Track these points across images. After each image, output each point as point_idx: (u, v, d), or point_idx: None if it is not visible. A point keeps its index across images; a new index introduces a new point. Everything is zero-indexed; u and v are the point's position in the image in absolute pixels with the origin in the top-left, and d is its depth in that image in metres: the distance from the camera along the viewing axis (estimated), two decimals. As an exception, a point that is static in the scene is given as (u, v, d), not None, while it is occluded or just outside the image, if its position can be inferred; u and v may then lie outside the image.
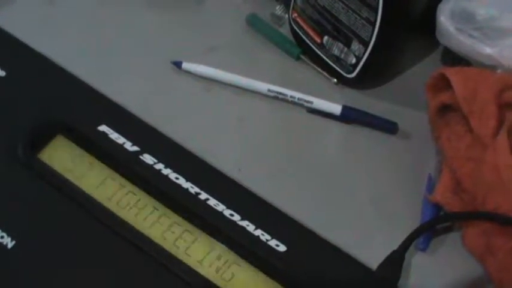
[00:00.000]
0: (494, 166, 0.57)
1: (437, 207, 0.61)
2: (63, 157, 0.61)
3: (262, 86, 0.69)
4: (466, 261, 0.59)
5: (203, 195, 0.59)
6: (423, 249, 0.60)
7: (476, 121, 0.59)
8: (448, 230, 0.61)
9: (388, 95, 0.70)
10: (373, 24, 0.63)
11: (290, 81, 0.70)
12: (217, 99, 0.69)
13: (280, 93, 0.68)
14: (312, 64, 0.72)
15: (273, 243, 0.57)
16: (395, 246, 0.57)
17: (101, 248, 0.57)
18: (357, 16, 0.64)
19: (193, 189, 0.59)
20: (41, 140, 0.62)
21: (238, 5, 0.76)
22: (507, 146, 0.57)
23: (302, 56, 0.72)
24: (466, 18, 0.65)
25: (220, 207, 0.58)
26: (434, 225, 0.60)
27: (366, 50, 0.66)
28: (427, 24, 0.67)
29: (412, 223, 0.60)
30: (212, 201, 0.59)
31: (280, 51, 0.73)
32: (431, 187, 0.63)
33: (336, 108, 0.67)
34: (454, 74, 0.61)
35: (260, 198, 0.60)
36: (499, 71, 0.64)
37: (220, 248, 0.58)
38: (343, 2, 0.64)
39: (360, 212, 0.62)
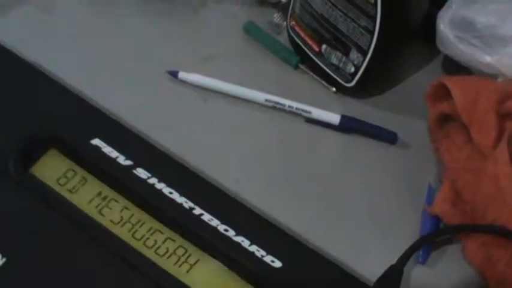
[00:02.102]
0: (494, 177, 0.56)
1: (437, 218, 0.61)
2: (55, 171, 0.61)
3: (260, 96, 0.68)
4: (466, 273, 0.58)
5: (197, 210, 0.58)
6: (423, 262, 0.59)
7: (476, 131, 0.59)
8: (447, 242, 0.60)
9: (388, 104, 0.69)
10: (372, 33, 0.63)
11: (288, 91, 0.69)
12: (214, 109, 0.68)
13: (278, 103, 0.68)
14: (310, 73, 0.71)
15: (268, 259, 0.56)
16: (394, 259, 0.56)
17: (93, 264, 0.56)
18: (355, 25, 0.63)
19: (188, 204, 0.59)
20: (33, 154, 0.62)
21: (235, 14, 0.76)
22: (507, 157, 0.56)
23: (300, 65, 0.72)
24: (466, 26, 0.64)
25: (215, 222, 0.58)
26: (433, 239, 0.59)
27: (364, 59, 0.65)
28: (427, 32, 0.67)
29: (411, 235, 0.59)
30: (206, 217, 0.58)
31: (278, 60, 0.72)
32: (431, 198, 0.62)
33: (335, 118, 0.67)
34: (453, 83, 0.61)
35: (255, 213, 0.60)
36: (499, 79, 0.63)
37: (214, 264, 0.57)
38: (341, 11, 0.64)
39: (358, 224, 0.61)
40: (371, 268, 0.57)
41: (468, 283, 0.58)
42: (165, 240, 0.58)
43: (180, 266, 0.57)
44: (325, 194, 0.63)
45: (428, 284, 0.58)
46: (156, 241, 0.58)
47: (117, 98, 0.67)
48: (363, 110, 0.68)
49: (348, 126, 0.67)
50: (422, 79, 0.70)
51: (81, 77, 0.68)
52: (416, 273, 0.59)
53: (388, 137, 0.66)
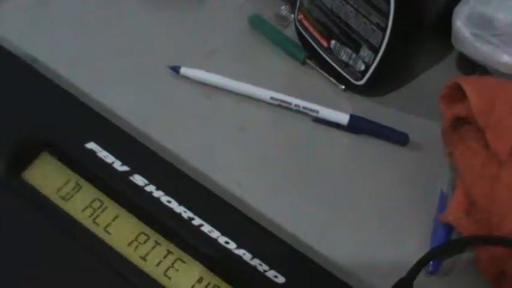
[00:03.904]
0: (511, 186, 0.54)
1: (449, 226, 0.59)
2: (48, 177, 0.59)
3: (265, 94, 0.67)
4: (478, 285, 0.57)
5: (197, 221, 0.56)
6: (433, 272, 0.58)
7: (492, 136, 0.57)
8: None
9: (399, 103, 0.68)
10: (384, 30, 0.61)
11: (295, 87, 0.68)
12: (217, 107, 0.67)
13: (284, 102, 0.66)
14: (318, 69, 0.70)
15: (271, 274, 0.54)
16: (403, 269, 0.54)
17: (85, 274, 0.54)
18: (366, 21, 0.62)
19: (187, 213, 0.57)
20: (25, 158, 0.60)
21: (240, 5, 0.75)
22: (525, 165, 0.55)
23: (308, 61, 0.70)
24: (483, 23, 0.63)
25: (215, 233, 0.56)
26: (445, 252, 0.58)
27: (375, 57, 0.64)
28: (441, 27, 0.65)
29: (422, 244, 0.58)
30: (206, 228, 0.56)
31: (285, 55, 0.71)
32: (443, 205, 0.61)
33: (343, 118, 0.65)
34: (469, 84, 0.59)
35: (258, 224, 0.58)
36: (519, 80, 0.62)
37: (214, 279, 0.55)
38: (352, 6, 0.62)
39: (367, 231, 0.60)
40: (380, 278, 0.55)
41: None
42: (162, 253, 0.56)
43: (178, 279, 0.55)
44: (332, 198, 0.62)
45: (438, 294, 0.57)
46: (153, 253, 0.56)
47: (116, 95, 0.67)
48: (373, 110, 0.67)
49: (357, 126, 0.66)
50: (435, 77, 0.69)
51: (78, 72, 0.68)
52: (427, 283, 0.57)
53: (399, 138, 0.65)
